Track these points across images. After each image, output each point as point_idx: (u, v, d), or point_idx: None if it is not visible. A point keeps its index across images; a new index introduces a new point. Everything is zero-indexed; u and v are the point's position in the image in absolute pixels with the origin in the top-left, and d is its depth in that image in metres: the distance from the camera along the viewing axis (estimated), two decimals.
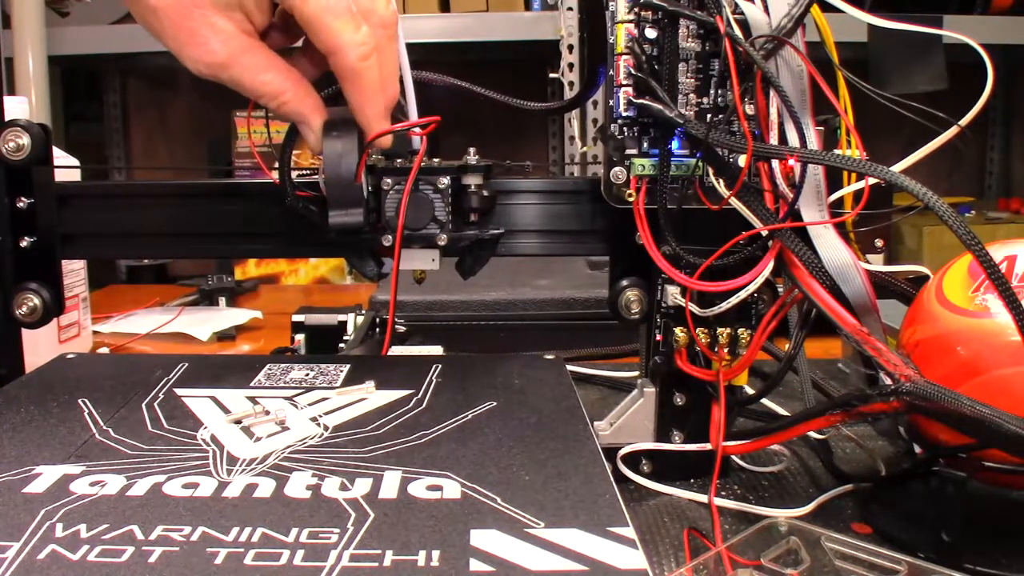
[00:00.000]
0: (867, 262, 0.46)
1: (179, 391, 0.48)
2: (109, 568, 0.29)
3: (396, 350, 0.64)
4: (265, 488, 0.36)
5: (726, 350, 0.48)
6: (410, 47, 0.50)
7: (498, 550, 0.31)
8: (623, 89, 0.47)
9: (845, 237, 0.45)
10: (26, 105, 0.76)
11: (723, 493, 0.50)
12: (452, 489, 0.36)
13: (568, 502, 0.35)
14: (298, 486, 0.36)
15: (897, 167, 0.41)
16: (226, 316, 1.00)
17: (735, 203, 0.45)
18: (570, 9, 1.51)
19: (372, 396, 0.47)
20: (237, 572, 0.29)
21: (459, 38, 1.59)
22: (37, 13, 1.47)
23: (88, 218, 0.57)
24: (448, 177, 0.52)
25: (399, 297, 0.55)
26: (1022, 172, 2.12)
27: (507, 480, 0.37)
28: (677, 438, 0.51)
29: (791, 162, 0.44)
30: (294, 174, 0.53)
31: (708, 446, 0.49)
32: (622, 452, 0.50)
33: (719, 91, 0.47)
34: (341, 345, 0.70)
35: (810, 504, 0.47)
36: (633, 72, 0.47)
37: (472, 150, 0.52)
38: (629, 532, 0.32)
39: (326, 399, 0.47)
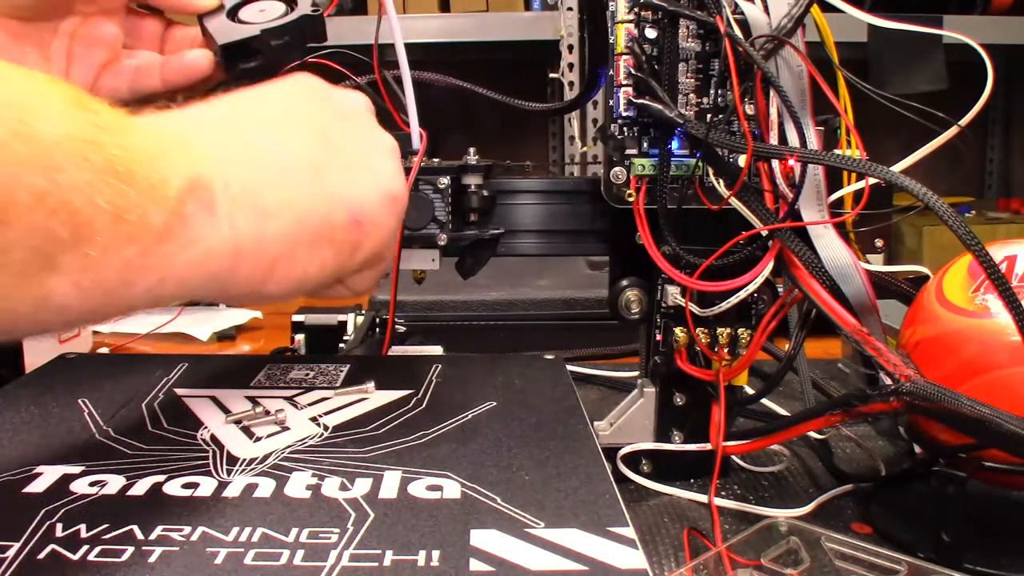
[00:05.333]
0: (867, 262, 0.46)
1: (179, 391, 0.48)
2: (109, 568, 0.29)
3: (396, 350, 0.64)
4: (265, 488, 0.36)
5: (726, 350, 0.48)
6: (410, 47, 0.50)
7: (498, 550, 0.31)
8: (623, 89, 0.47)
9: (845, 237, 0.45)
10: None
11: (723, 493, 0.50)
12: (452, 489, 0.36)
13: (568, 502, 0.35)
14: (298, 486, 0.36)
15: (897, 167, 0.41)
16: (226, 316, 1.00)
17: (735, 203, 0.45)
18: (570, 9, 1.51)
19: (372, 396, 0.47)
20: (237, 572, 0.29)
21: (459, 38, 1.59)
22: None
23: None
24: (448, 177, 0.52)
25: (399, 297, 0.55)
26: (1022, 172, 2.11)
27: (507, 480, 0.37)
28: (677, 438, 0.51)
29: (791, 162, 0.44)
30: None
31: (708, 446, 0.49)
32: (622, 452, 0.50)
33: (719, 91, 0.47)
34: (341, 345, 0.70)
35: (810, 504, 0.47)
36: (633, 72, 0.47)
37: (472, 150, 0.52)
38: (629, 532, 0.32)
39: (326, 399, 0.47)
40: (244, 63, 0.47)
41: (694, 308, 0.48)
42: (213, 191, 0.32)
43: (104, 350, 0.87)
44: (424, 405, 0.46)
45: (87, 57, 0.48)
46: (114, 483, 0.36)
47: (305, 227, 0.36)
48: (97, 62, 0.48)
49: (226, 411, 0.45)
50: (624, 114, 0.48)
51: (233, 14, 0.48)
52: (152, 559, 0.30)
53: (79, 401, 0.46)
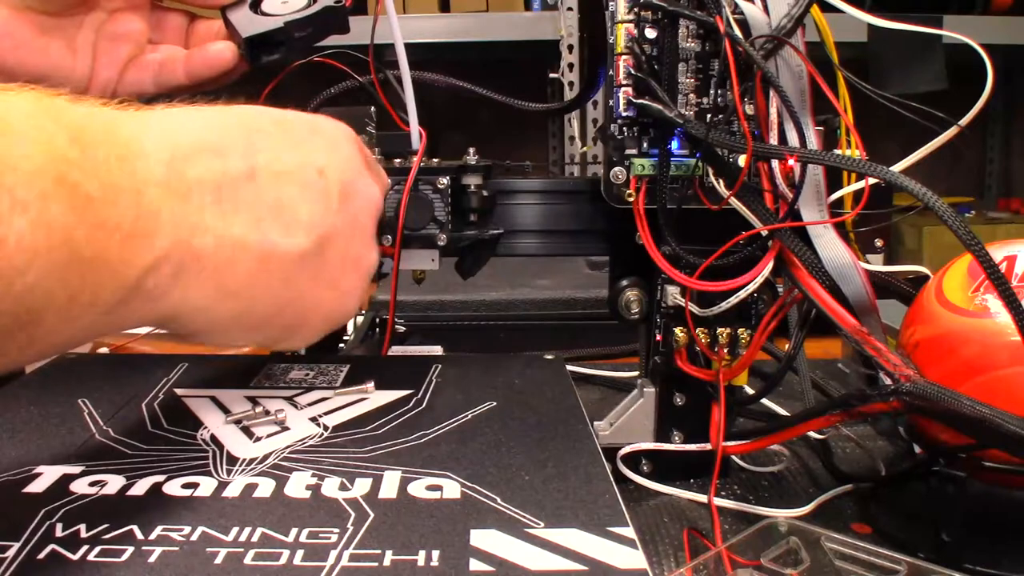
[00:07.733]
0: (867, 262, 0.46)
1: (179, 391, 0.48)
2: (109, 568, 0.29)
3: (396, 350, 0.64)
4: (265, 488, 0.36)
5: (726, 350, 0.48)
6: (410, 47, 0.51)
7: (498, 550, 0.31)
8: (623, 89, 0.47)
9: (845, 237, 0.45)
10: None
11: (723, 493, 0.50)
12: (452, 489, 0.36)
13: (568, 502, 0.35)
14: (298, 486, 0.36)
15: (897, 167, 0.41)
16: None
17: (735, 203, 0.45)
18: (570, 9, 1.51)
19: (372, 396, 0.47)
20: (237, 572, 0.29)
21: (459, 38, 1.59)
22: None
23: None
24: (448, 177, 0.51)
25: (399, 297, 0.55)
26: (1022, 172, 2.12)
27: (507, 480, 0.37)
28: (677, 438, 0.51)
29: (791, 162, 0.44)
30: None
31: (708, 446, 0.49)
32: (622, 452, 0.50)
33: (719, 91, 0.47)
34: (341, 345, 0.70)
35: (810, 504, 0.47)
36: (633, 72, 0.47)
37: (472, 150, 0.52)
38: (629, 532, 0.32)
39: (326, 399, 0.47)
40: (267, 55, 0.48)
41: (694, 308, 0.48)
42: (183, 265, 0.32)
43: (104, 350, 0.87)
44: (424, 405, 0.46)
45: (113, 52, 0.48)
46: (114, 483, 0.36)
47: (250, 317, 0.36)
48: (122, 57, 0.49)
49: (226, 411, 0.45)
50: (624, 114, 0.48)
51: (256, 6, 0.48)
52: (152, 559, 0.30)
53: (79, 401, 0.46)
